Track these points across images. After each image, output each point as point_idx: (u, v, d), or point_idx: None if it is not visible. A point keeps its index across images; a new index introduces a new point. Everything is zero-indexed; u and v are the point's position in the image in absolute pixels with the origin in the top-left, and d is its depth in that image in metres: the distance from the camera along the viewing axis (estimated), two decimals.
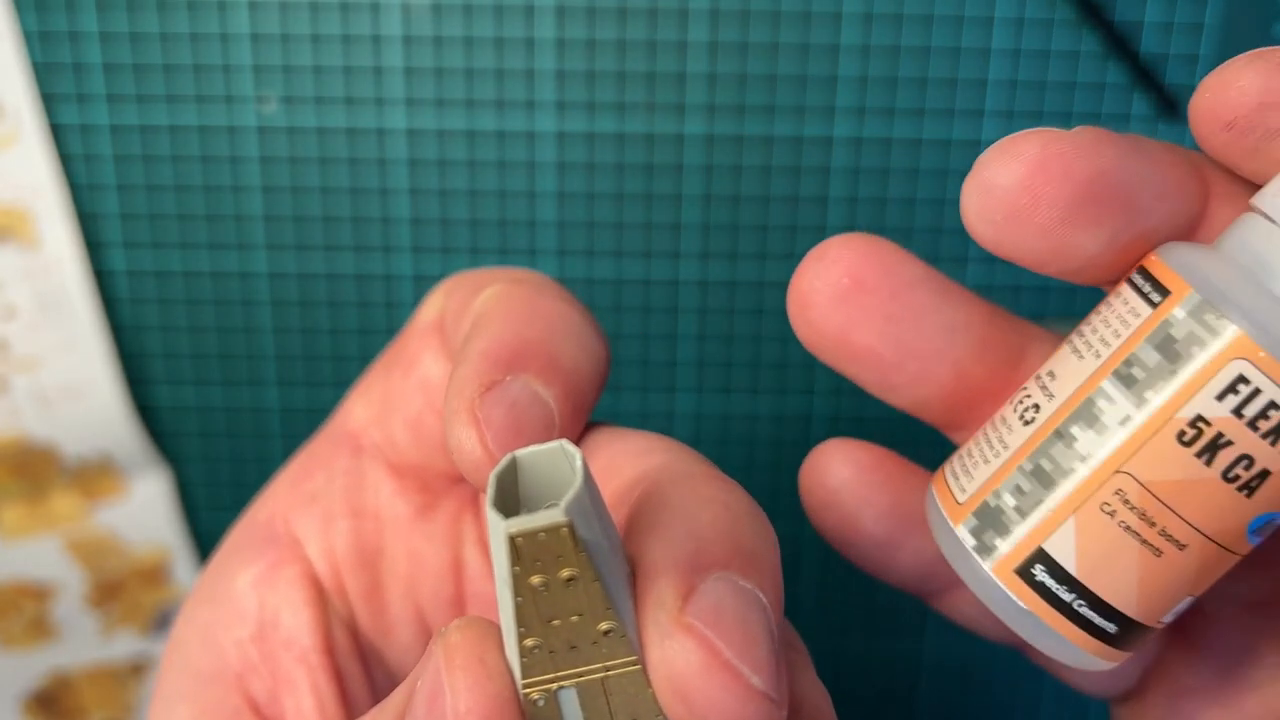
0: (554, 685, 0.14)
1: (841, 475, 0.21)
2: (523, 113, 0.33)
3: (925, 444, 0.36)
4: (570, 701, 0.14)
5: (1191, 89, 0.33)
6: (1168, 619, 0.17)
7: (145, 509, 0.36)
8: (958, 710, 0.39)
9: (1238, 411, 0.15)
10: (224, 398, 0.36)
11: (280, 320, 0.35)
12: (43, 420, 0.34)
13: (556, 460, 0.14)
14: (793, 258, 0.34)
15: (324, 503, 0.20)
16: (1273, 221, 0.16)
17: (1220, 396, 0.15)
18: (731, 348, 0.35)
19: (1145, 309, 0.16)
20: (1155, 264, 0.16)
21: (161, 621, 0.37)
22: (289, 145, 0.33)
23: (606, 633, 0.13)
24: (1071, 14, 0.33)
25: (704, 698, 0.13)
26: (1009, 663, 0.38)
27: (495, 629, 0.14)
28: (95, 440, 0.35)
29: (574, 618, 0.13)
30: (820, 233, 0.34)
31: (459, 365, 0.17)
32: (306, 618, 0.19)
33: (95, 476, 0.35)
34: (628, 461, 0.16)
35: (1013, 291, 0.35)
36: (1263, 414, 0.15)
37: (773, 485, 0.36)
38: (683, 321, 0.35)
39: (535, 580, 0.13)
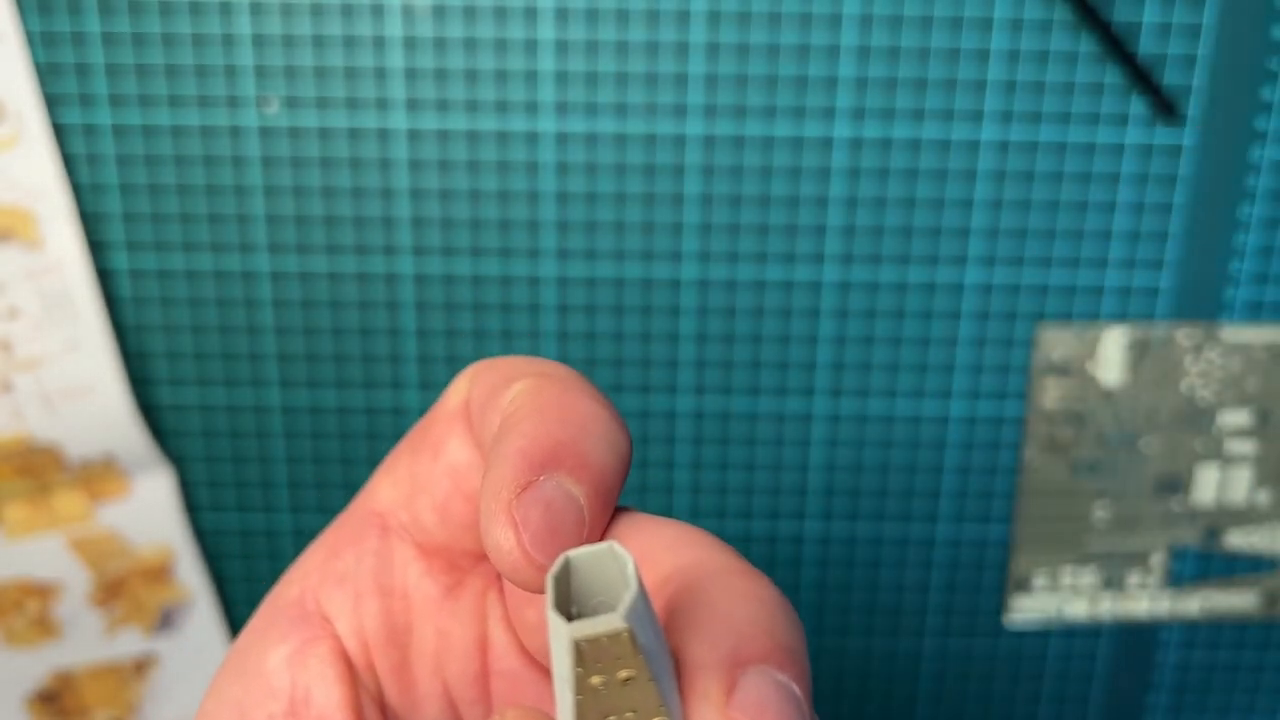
0: None
1: None
2: (524, 114, 0.33)
3: (925, 447, 0.36)
4: None
5: (1189, 90, 0.33)
6: None
7: (148, 508, 0.36)
8: (958, 710, 0.39)
9: None
10: (227, 397, 0.36)
11: (282, 320, 0.35)
12: (46, 420, 0.35)
13: (606, 561, 0.15)
14: (793, 258, 0.34)
15: (354, 582, 0.21)
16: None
17: None
18: (731, 348, 0.35)
19: None
20: None
21: (164, 620, 0.37)
22: (291, 146, 0.34)
23: None
24: (1069, 15, 0.33)
25: None
26: (1009, 663, 0.38)
27: None
28: (98, 440, 0.35)
29: (629, 713, 0.14)
30: (820, 233, 0.34)
31: (493, 465, 0.17)
32: (338, 695, 0.19)
33: (98, 476, 0.36)
34: (660, 555, 0.17)
35: (1011, 291, 0.35)
36: None
37: (773, 485, 0.36)
38: (683, 321, 0.35)
39: (595, 680, 0.14)
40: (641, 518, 0.18)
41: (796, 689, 0.15)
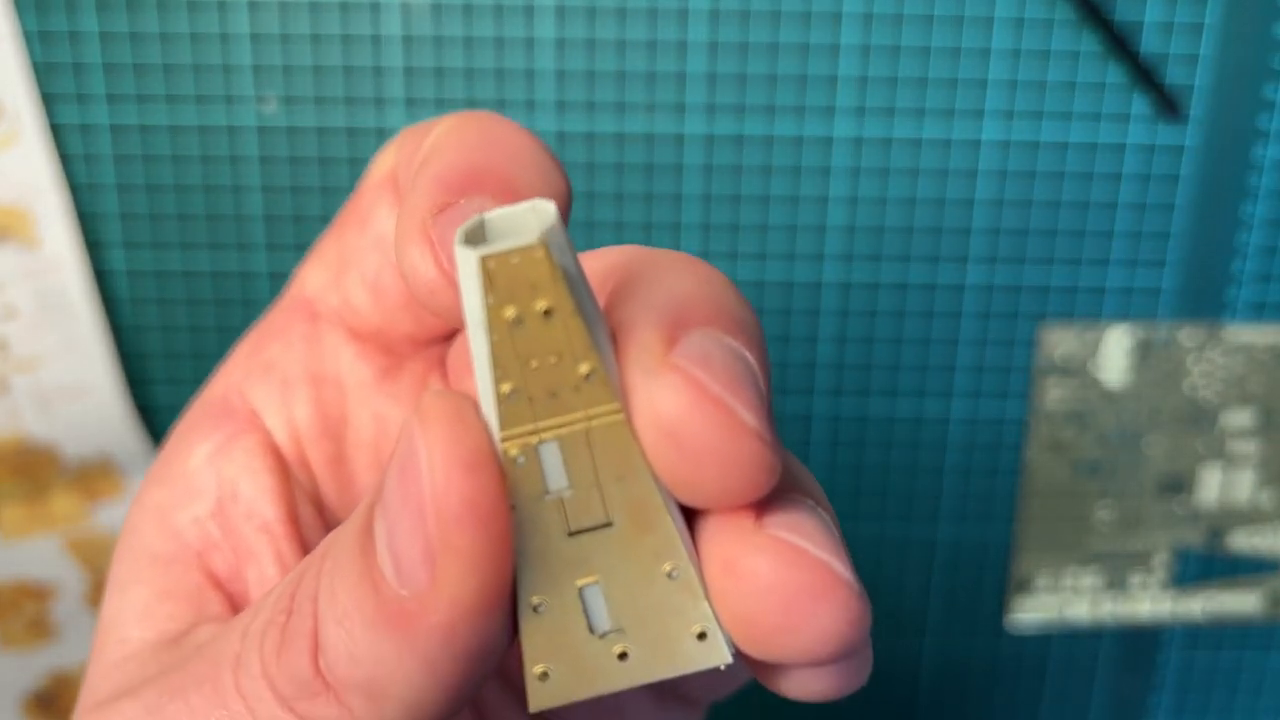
0: (534, 439, 0.13)
1: None
2: (522, 113, 0.33)
3: (926, 447, 0.36)
4: (552, 457, 0.13)
5: (1192, 89, 0.33)
6: None
7: None
8: (959, 711, 0.39)
9: None
10: None
11: None
12: (43, 420, 0.34)
13: (528, 223, 0.13)
14: (793, 258, 0.34)
15: (281, 371, 0.19)
16: None
17: None
18: None
19: None
20: None
21: None
22: (289, 145, 0.33)
23: (588, 375, 0.13)
24: (1071, 14, 0.33)
25: (694, 437, 0.13)
26: (1010, 664, 0.38)
27: (473, 399, 0.13)
28: (95, 440, 0.35)
29: (552, 358, 0.12)
30: (820, 232, 0.34)
31: (410, 192, 0.16)
32: (267, 486, 0.18)
33: (95, 476, 0.35)
34: (602, 259, 0.15)
35: (1013, 292, 0.35)
36: None
37: None
38: None
39: (509, 313, 0.12)
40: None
41: (749, 355, 0.13)
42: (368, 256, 0.18)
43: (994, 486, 0.37)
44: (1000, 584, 0.37)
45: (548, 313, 0.12)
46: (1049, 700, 0.38)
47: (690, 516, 0.14)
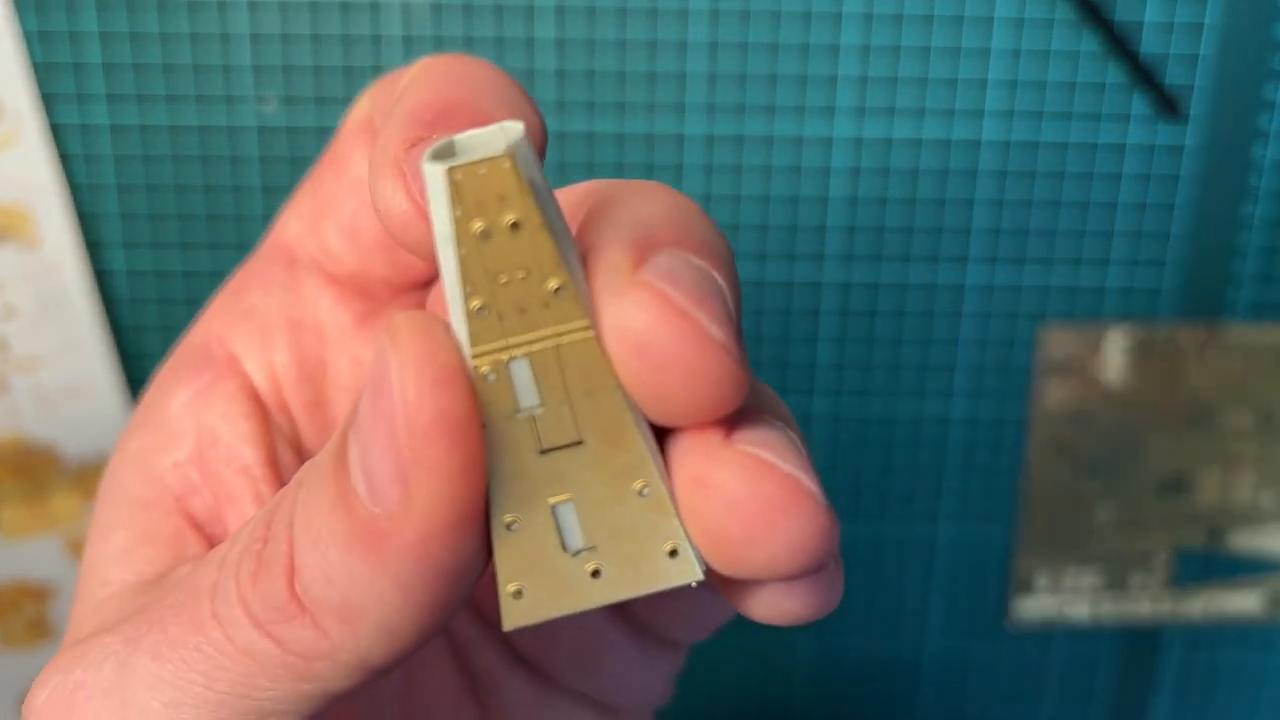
0: (504, 356, 0.13)
1: None
2: None
3: (926, 447, 0.36)
4: (522, 374, 0.13)
5: (1192, 89, 0.33)
6: None
7: None
8: (959, 712, 0.39)
9: None
10: None
11: None
12: (43, 420, 0.34)
13: (495, 141, 0.13)
14: (793, 258, 0.34)
15: (261, 317, 0.19)
16: None
17: None
18: None
19: None
20: None
21: None
22: (289, 145, 0.33)
23: (557, 291, 0.13)
24: (1071, 14, 0.33)
25: (661, 350, 0.13)
26: (1011, 664, 0.38)
27: (444, 319, 0.13)
28: (95, 440, 0.35)
29: (521, 273, 0.13)
30: (821, 232, 0.34)
31: (382, 128, 0.16)
32: (246, 431, 0.18)
33: (95, 476, 0.35)
34: (573, 192, 0.16)
35: (1013, 291, 0.35)
36: None
37: None
38: None
39: (477, 226, 0.12)
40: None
41: (718, 277, 0.14)
42: (344, 200, 0.19)
43: (994, 486, 0.37)
44: (1000, 584, 0.37)
45: (515, 225, 0.12)
46: (1049, 700, 0.38)
47: (661, 437, 0.14)
